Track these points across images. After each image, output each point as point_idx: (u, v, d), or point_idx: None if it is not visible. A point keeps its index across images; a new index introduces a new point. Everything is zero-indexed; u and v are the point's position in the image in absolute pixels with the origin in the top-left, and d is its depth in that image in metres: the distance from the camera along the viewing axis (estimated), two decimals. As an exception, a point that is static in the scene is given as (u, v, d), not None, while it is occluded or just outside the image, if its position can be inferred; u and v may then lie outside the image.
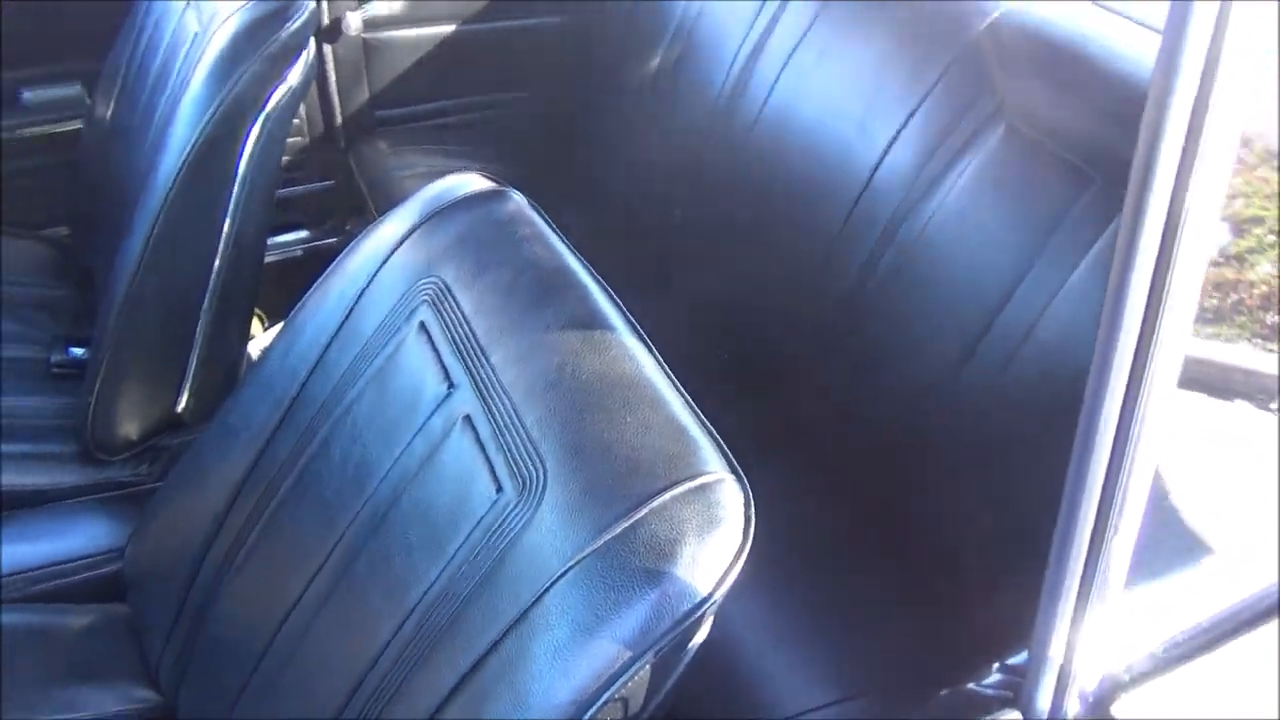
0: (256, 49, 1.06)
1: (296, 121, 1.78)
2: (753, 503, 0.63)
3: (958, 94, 1.25)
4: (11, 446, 1.22)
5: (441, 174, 0.92)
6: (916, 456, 1.24)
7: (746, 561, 0.62)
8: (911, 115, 1.29)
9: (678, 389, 0.71)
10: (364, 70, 1.77)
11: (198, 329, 1.19)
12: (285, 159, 1.82)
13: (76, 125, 1.56)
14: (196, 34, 1.15)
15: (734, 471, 0.65)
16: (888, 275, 1.30)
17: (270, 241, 1.85)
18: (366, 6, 1.69)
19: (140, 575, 1.02)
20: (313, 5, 1.12)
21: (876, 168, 1.32)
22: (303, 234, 1.94)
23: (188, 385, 1.23)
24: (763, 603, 1.19)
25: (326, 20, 1.69)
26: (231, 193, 1.13)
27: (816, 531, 1.29)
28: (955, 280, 1.22)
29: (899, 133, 1.31)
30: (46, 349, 1.38)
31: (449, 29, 1.78)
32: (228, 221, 1.14)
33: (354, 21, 1.70)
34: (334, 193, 1.92)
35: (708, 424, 0.68)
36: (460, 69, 1.82)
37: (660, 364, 0.73)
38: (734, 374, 1.46)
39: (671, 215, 1.60)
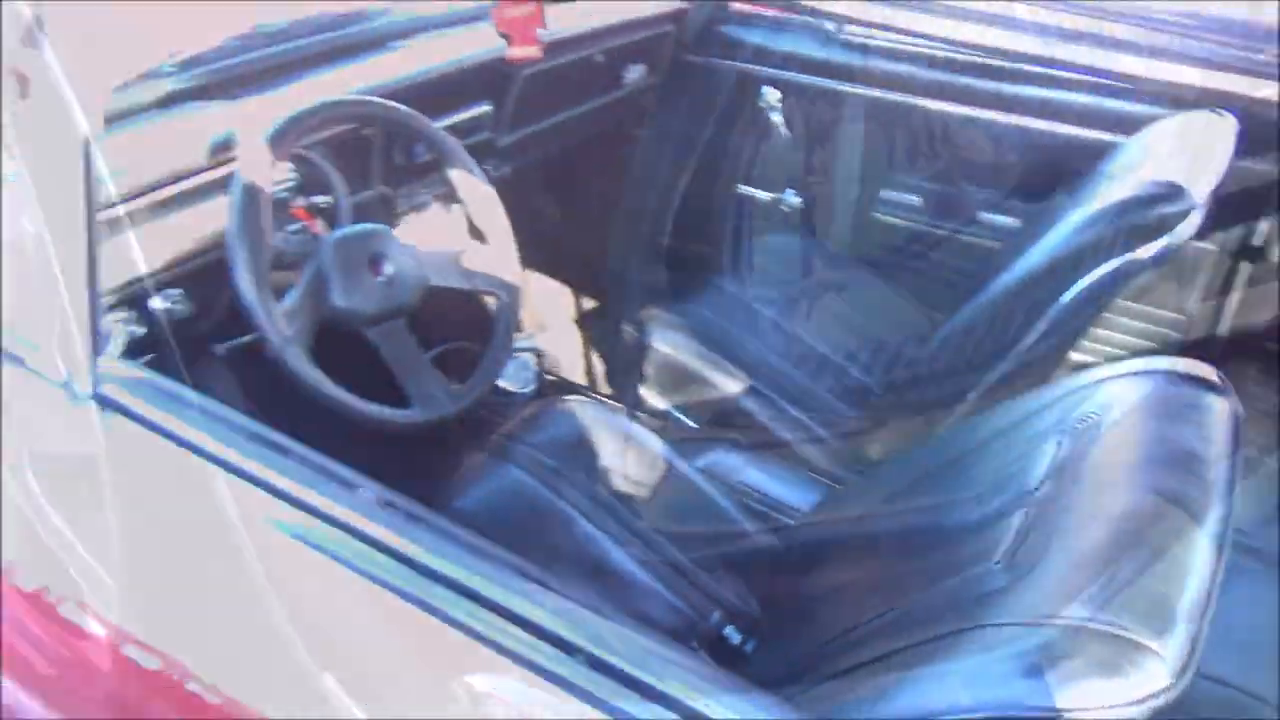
0: (1122, 216, 1.23)
1: (1182, 319, 1.84)
2: (1164, 700, 0.61)
3: None
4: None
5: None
6: None
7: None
8: None
9: (1212, 580, 0.69)
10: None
11: None
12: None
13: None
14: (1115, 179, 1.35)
15: (1179, 668, 0.62)
16: None
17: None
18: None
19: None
20: (1196, 211, 1.19)
21: None
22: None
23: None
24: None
25: (1258, 242, 1.72)
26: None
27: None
28: None
29: None
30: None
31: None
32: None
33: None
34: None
35: (1203, 622, 0.66)
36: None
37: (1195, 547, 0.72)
38: None
39: None
